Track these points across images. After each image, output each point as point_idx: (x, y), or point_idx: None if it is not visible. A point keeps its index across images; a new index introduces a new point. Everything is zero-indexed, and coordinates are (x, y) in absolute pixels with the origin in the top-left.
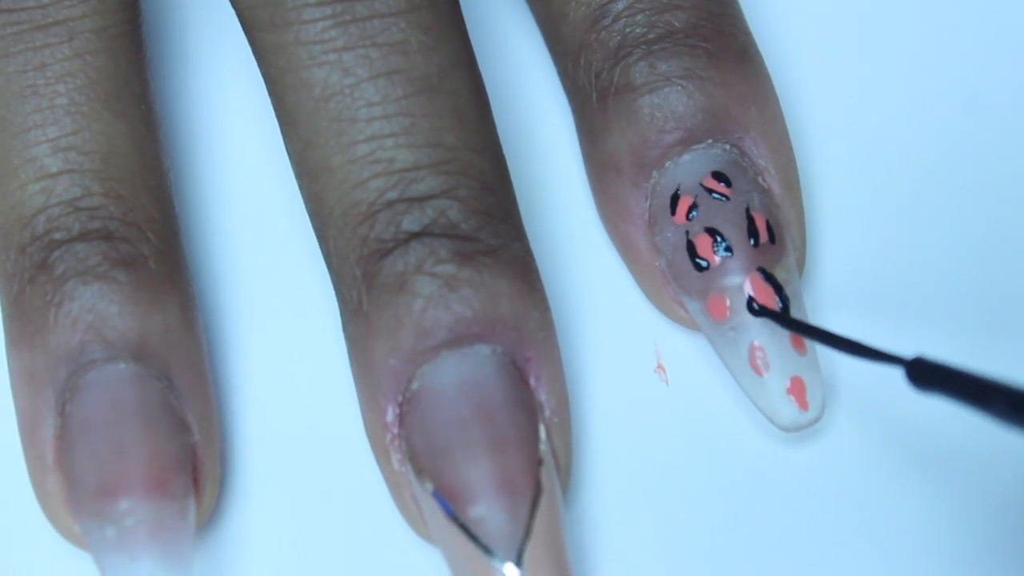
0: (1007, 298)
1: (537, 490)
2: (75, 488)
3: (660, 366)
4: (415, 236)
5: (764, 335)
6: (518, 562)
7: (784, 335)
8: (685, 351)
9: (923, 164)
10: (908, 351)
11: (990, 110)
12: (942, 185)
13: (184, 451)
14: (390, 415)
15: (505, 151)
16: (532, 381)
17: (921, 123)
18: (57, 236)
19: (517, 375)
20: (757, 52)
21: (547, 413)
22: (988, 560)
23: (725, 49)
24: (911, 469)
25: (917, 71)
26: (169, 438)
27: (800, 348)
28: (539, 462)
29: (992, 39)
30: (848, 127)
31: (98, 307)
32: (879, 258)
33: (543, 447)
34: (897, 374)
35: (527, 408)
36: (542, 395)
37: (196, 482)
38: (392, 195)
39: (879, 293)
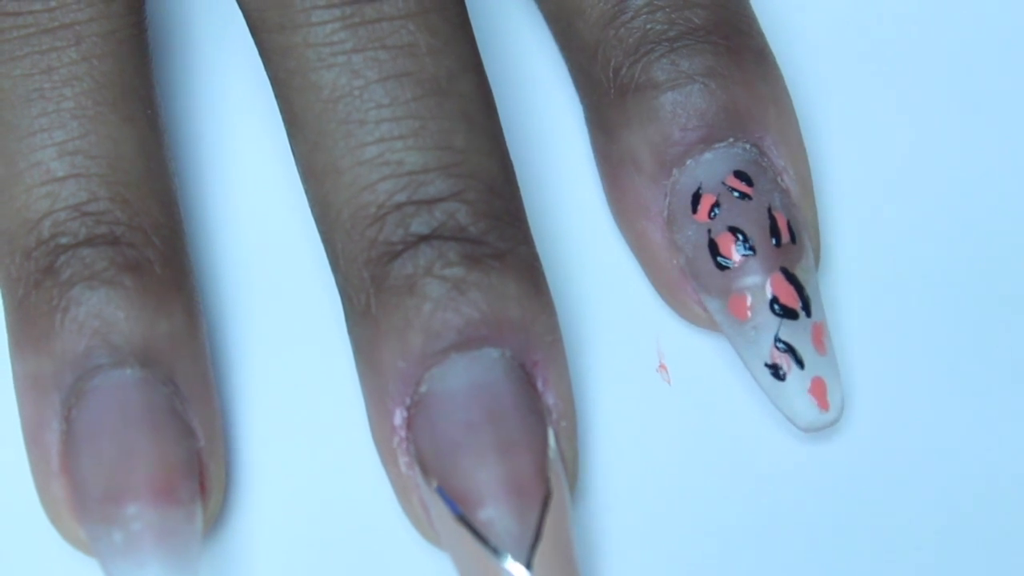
0: (1012, 294)
1: (546, 493)
2: (81, 493)
3: (662, 366)
4: (424, 239)
5: (786, 335)
6: (528, 564)
7: (806, 335)
8: (687, 351)
9: (927, 163)
10: (917, 345)
11: (991, 106)
12: (947, 183)
13: (190, 456)
14: (398, 418)
15: (510, 154)
16: (539, 385)
17: (924, 121)
18: (63, 240)
19: (525, 378)
20: (771, 52)
21: (554, 416)
22: (996, 561)
23: (745, 48)
24: (924, 473)
25: (918, 69)
26: (175, 443)
27: (821, 348)
28: (548, 465)
29: (996, 39)
30: (850, 126)
31: (104, 312)
32: (886, 256)
33: (551, 451)
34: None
35: (536, 411)
36: (549, 398)
37: (202, 488)
38: (401, 198)
39: (887, 291)
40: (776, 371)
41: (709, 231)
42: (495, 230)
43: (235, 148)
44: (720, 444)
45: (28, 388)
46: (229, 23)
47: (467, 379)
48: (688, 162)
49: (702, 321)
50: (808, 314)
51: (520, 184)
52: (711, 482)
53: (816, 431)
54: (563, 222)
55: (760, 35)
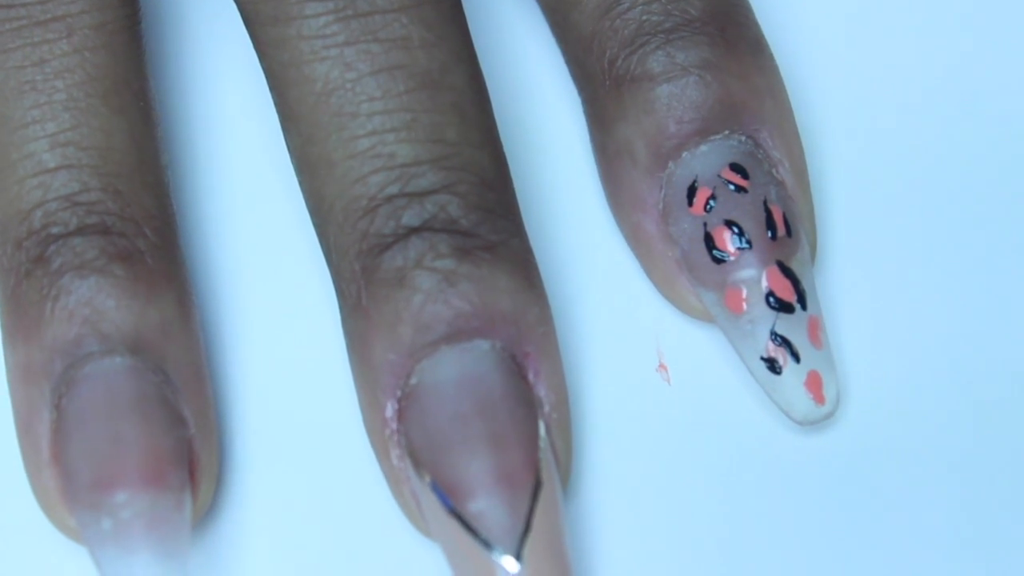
0: (1010, 287)
1: (537, 484)
2: (71, 481)
3: (662, 365)
4: (415, 231)
5: (782, 328)
6: (518, 556)
7: (802, 329)
8: (687, 351)
9: (924, 155)
10: (913, 338)
11: (989, 98)
12: (944, 175)
13: (180, 444)
14: (389, 410)
15: (503, 147)
16: (531, 377)
17: (921, 114)
18: (54, 231)
19: (516, 370)
20: (767, 44)
21: (546, 409)
22: (995, 557)
23: (741, 39)
24: (920, 467)
25: (914, 61)
26: (165, 431)
27: (816, 342)
28: (538, 457)
29: (994, 31)
30: (846, 118)
31: (95, 301)
32: (882, 249)
33: (542, 442)
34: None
35: (526, 403)
36: (541, 391)
37: (192, 476)
38: (392, 190)
39: (882, 284)
40: (772, 365)
41: (705, 224)
42: (487, 223)
43: (229, 140)
44: (714, 436)
45: (19, 377)
46: (223, 16)
47: (457, 371)
48: (684, 155)
49: (699, 314)
50: (804, 307)
51: (515, 177)
52: (706, 474)
53: (812, 424)
54: (559, 215)
55: (756, 26)
